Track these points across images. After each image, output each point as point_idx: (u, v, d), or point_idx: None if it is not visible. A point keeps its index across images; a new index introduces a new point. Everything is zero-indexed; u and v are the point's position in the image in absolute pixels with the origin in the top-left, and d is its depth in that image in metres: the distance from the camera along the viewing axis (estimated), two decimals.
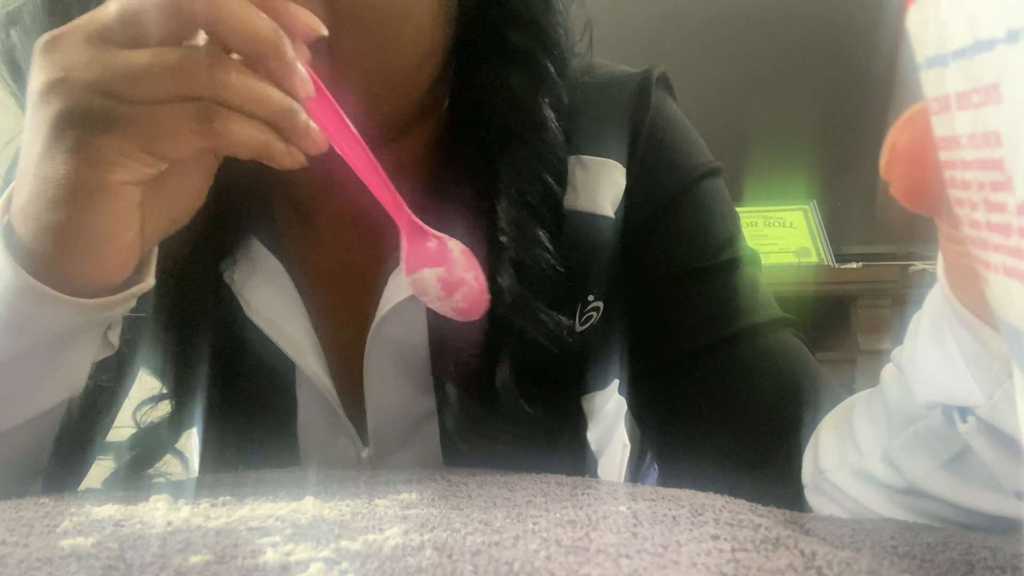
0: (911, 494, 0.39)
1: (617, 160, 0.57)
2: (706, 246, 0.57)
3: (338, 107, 0.43)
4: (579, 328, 0.57)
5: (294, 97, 0.41)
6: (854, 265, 1.66)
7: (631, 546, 0.30)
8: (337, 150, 0.44)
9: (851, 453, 0.42)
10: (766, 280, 0.59)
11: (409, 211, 0.47)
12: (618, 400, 0.71)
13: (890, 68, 1.55)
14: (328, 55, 0.46)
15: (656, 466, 0.87)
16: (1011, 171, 0.17)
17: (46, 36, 0.39)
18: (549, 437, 0.58)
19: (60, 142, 0.39)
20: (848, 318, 1.65)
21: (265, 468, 0.55)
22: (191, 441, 0.65)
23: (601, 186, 0.57)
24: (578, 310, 0.57)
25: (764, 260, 0.60)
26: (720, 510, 0.37)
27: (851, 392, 0.49)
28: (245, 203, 0.58)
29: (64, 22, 0.40)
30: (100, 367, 0.49)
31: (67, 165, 0.39)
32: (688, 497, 0.40)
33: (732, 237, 0.58)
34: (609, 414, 0.70)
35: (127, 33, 0.38)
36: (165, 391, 0.59)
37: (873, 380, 0.42)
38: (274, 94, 0.40)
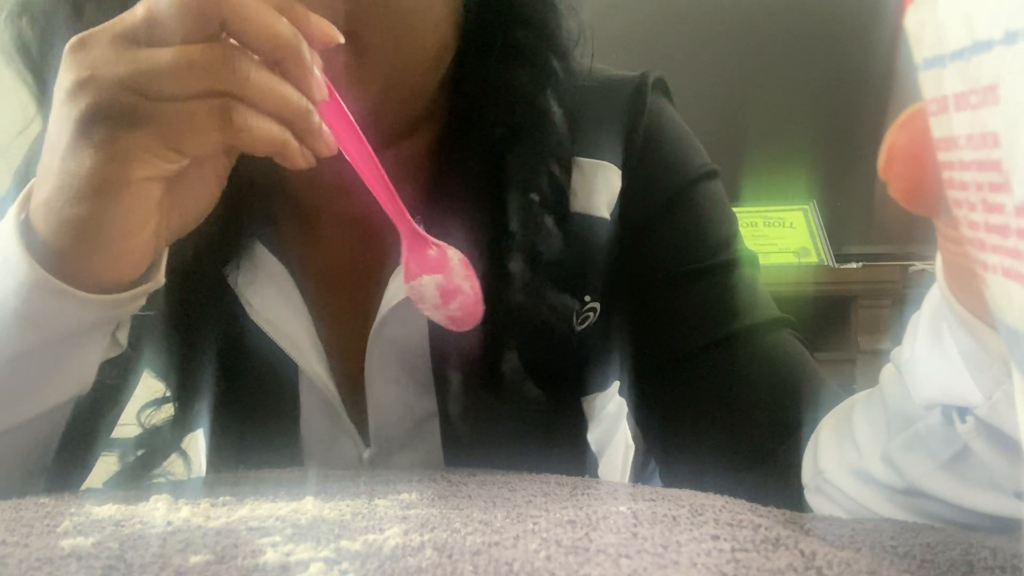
0: (910, 494, 0.39)
1: (612, 162, 0.58)
2: (703, 247, 0.57)
3: (348, 113, 0.44)
4: (576, 329, 0.57)
5: (309, 100, 0.42)
6: (854, 265, 1.66)
7: (631, 546, 0.30)
8: (345, 155, 0.45)
9: (850, 453, 0.42)
10: (766, 280, 0.59)
11: (411, 218, 0.48)
12: (619, 401, 0.71)
13: (889, 68, 1.55)
14: (353, 52, 0.47)
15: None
16: (1009, 172, 0.17)
17: (75, 38, 0.40)
18: (549, 434, 0.58)
19: (86, 138, 0.40)
20: (848, 318, 1.65)
21: (268, 469, 0.55)
22: (196, 443, 0.65)
23: (597, 188, 0.57)
24: (575, 311, 0.57)
25: (764, 260, 0.61)
26: (720, 510, 0.37)
27: (850, 392, 0.49)
28: (248, 206, 0.58)
29: (74, 9, 0.41)
30: (107, 366, 0.49)
31: (92, 160, 0.40)
32: (688, 497, 0.40)
33: (730, 238, 0.58)
34: (610, 415, 0.70)
35: (153, 34, 0.39)
36: (169, 394, 0.59)
37: (873, 380, 0.42)
38: (292, 93, 0.41)
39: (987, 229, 0.19)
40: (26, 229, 0.43)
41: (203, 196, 0.46)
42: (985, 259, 0.20)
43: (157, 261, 0.47)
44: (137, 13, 0.40)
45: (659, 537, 0.31)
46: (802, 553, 0.29)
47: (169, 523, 0.35)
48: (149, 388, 0.61)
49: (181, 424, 0.58)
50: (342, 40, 0.43)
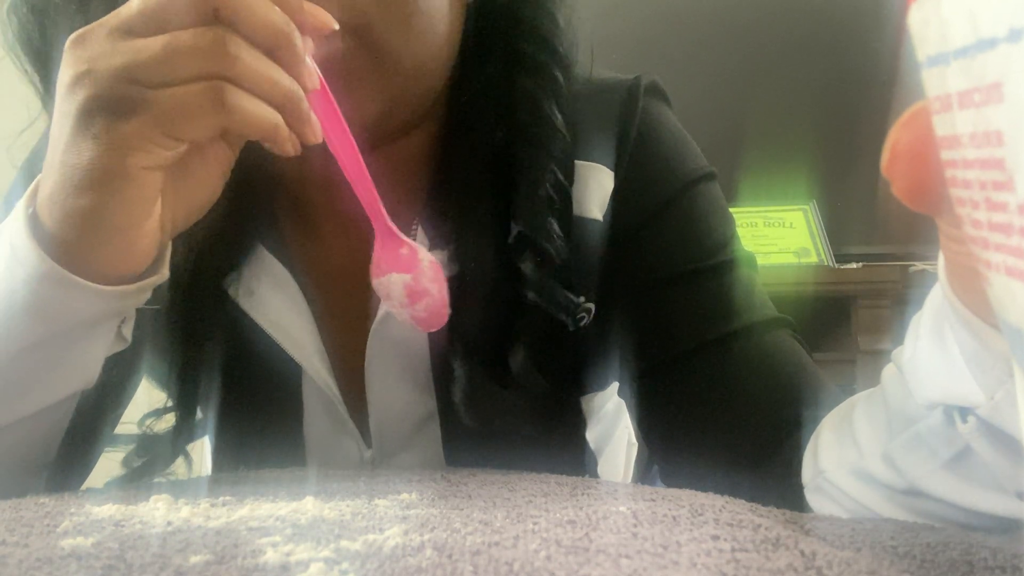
0: (911, 494, 0.39)
1: (604, 164, 0.58)
2: (700, 248, 0.58)
3: (335, 105, 0.45)
4: (571, 329, 0.58)
5: (300, 87, 0.42)
6: (854, 265, 1.66)
7: (631, 546, 0.30)
8: (329, 146, 0.45)
9: (851, 453, 0.42)
10: (766, 280, 0.60)
11: (387, 215, 0.49)
12: (618, 401, 0.71)
13: (890, 68, 1.55)
14: (368, 53, 0.48)
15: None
16: (1012, 170, 0.17)
17: (75, 33, 0.41)
18: (548, 433, 0.58)
19: (85, 130, 0.41)
20: (848, 318, 1.65)
21: (270, 469, 0.56)
22: (201, 444, 0.66)
23: (589, 190, 0.58)
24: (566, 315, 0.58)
25: (764, 260, 0.61)
26: (720, 510, 0.37)
27: (850, 392, 0.49)
28: (251, 209, 0.59)
29: (78, 2, 0.41)
30: (111, 363, 0.50)
31: (92, 151, 0.41)
32: (688, 497, 0.40)
33: (727, 240, 0.59)
34: (609, 414, 0.70)
35: (148, 25, 0.40)
36: (171, 401, 0.60)
37: (873, 380, 0.42)
38: (283, 78, 0.42)
39: (990, 228, 0.19)
40: (34, 222, 0.44)
41: (207, 187, 0.47)
42: (988, 258, 0.19)
43: (162, 254, 0.47)
44: (132, 5, 0.40)
45: (659, 537, 0.31)
46: (802, 553, 0.29)
47: (169, 523, 0.35)
48: (153, 396, 0.61)
49: (183, 433, 0.58)
50: (336, 27, 0.44)
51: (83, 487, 0.54)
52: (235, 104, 0.40)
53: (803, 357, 0.56)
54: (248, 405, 0.60)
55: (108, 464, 0.58)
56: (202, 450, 0.68)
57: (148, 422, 0.60)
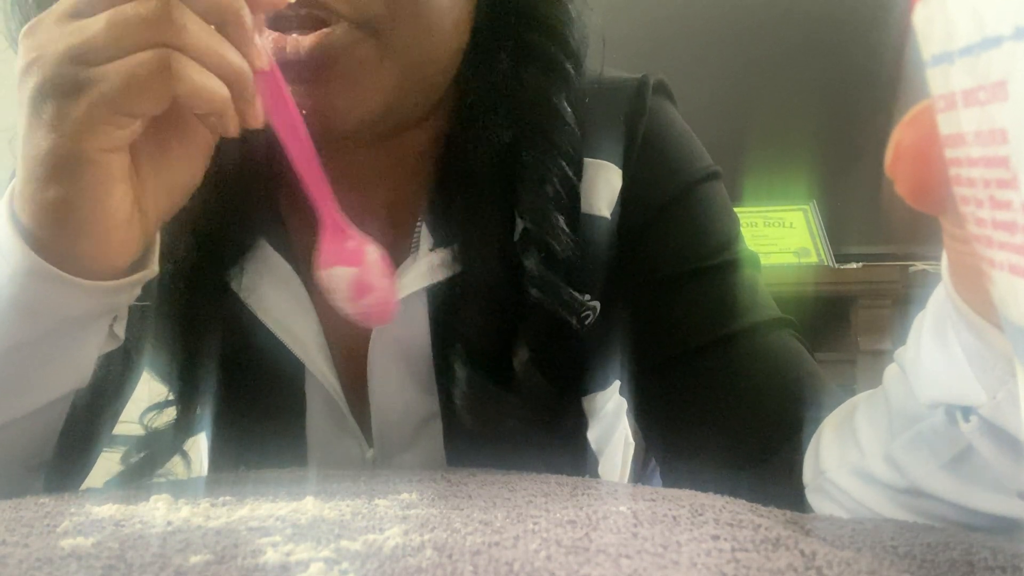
0: (912, 494, 0.39)
1: (613, 162, 0.58)
2: (705, 247, 0.58)
3: (285, 88, 0.44)
4: (575, 328, 0.58)
5: (251, 66, 0.42)
6: (854, 265, 1.66)
7: (631, 546, 0.30)
8: (275, 130, 0.45)
9: (852, 453, 0.42)
10: (766, 281, 0.60)
11: (336, 207, 0.48)
12: (618, 400, 0.71)
13: (890, 68, 1.55)
14: (375, 45, 0.48)
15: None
16: (1017, 168, 0.17)
17: (27, 24, 0.41)
18: (550, 433, 0.58)
19: (39, 118, 0.40)
20: (848, 318, 1.65)
21: (271, 469, 0.55)
22: (198, 443, 0.65)
23: (597, 187, 0.58)
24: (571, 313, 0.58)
25: (764, 260, 0.61)
26: (720, 510, 0.37)
27: (851, 393, 0.49)
28: (254, 206, 0.58)
29: None
30: (106, 361, 0.49)
31: (48, 140, 0.40)
32: (688, 497, 0.40)
33: (731, 239, 0.59)
34: (609, 414, 0.70)
35: (95, 6, 0.39)
36: (172, 395, 0.59)
37: (873, 380, 0.42)
38: (231, 53, 0.41)
39: (994, 226, 0.19)
40: (17, 220, 0.43)
41: (186, 172, 0.46)
42: (992, 256, 0.19)
43: (151, 249, 0.47)
44: None
45: (659, 537, 0.31)
46: (802, 553, 0.29)
47: (169, 523, 0.35)
48: (153, 391, 0.61)
49: (184, 428, 0.58)
50: (291, 0, 0.43)
51: (83, 487, 0.54)
52: (182, 73, 0.39)
53: (805, 358, 0.56)
54: (250, 402, 0.60)
55: (108, 465, 0.58)
56: (199, 448, 0.68)
57: (149, 416, 0.60)
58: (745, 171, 1.62)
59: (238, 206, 0.56)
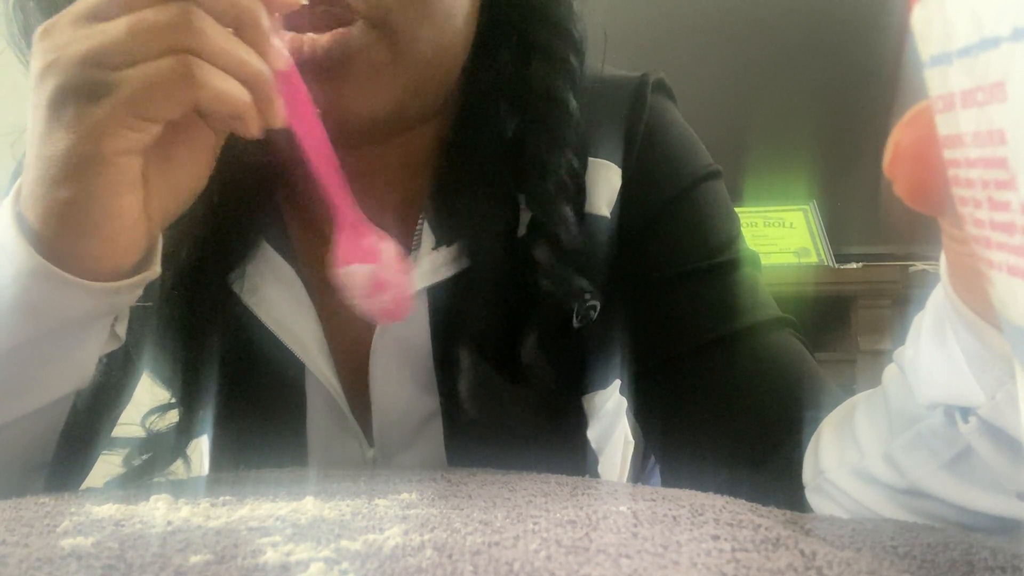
0: (912, 494, 0.39)
1: (613, 161, 0.58)
2: (705, 247, 0.58)
3: (304, 87, 0.44)
4: (576, 325, 0.58)
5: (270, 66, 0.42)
6: (854, 265, 1.66)
7: (631, 546, 0.29)
8: (294, 129, 0.45)
9: (852, 453, 0.42)
10: (766, 280, 0.59)
11: (353, 204, 0.48)
12: (618, 399, 0.71)
13: (890, 67, 1.55)
14: (387, 34, 0.48)
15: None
16: (1015, 169, 0.17)
17: (42, 25, 0.41)
18: (550, 432, 0.58)
19: (57, 120, 0.40)
20: (848, 318, 1.65)
21: (271, 469, 0.55)
22: (199, 443, 0.65)
23: (598, 186, 0.58)
24: (575, 308, 0.58)
25: (764, 260, 0.61)
26: (720, 510, 0.37)
27: (850, 393, 0.49)
28: (255, 207, 0.58)
29: None
30: (107, 362, 0.49)
31: (65, 141, 0.40)
32: (688, 497, 0.40)
33: (732, 238, 0.59)
34: (609, 413, 0.70)
35: (111, 8, 0.39)
36: (174, 398, 0.59)
37: (873, 381, 0.42)
38: (250, 56, 0.41)
39: (993, 227, 0.19)
40: (22, 220, 0.43)
41: (192, 174, 0.46)
42: (990, 257, 0.19)
43: (153, 249, 0.47)
44: None
45: (659, 537, 0.31)
46: (802, 553, 0.29)
47: (169, 523, 0.35)
48: (155, 394, 0.61)
49: (187, 429, 0.58)
50: (305, 1, 0.43)
51: (83, 487, 0.54)
52: (203, 78, 0.39)
53: (806, 357, 0.56)
54: (251, 403, 0.60)
55: (109, 468, 0.58)
56: (200, 448, 0.68)
57: (151, 419, 0.60)
58: (745, 171, 1.62)
59: (239, 207, 0.56)
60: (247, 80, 0.41)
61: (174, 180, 0.45)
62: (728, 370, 0.55)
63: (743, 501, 0.41)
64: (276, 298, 0.58)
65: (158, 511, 0.38)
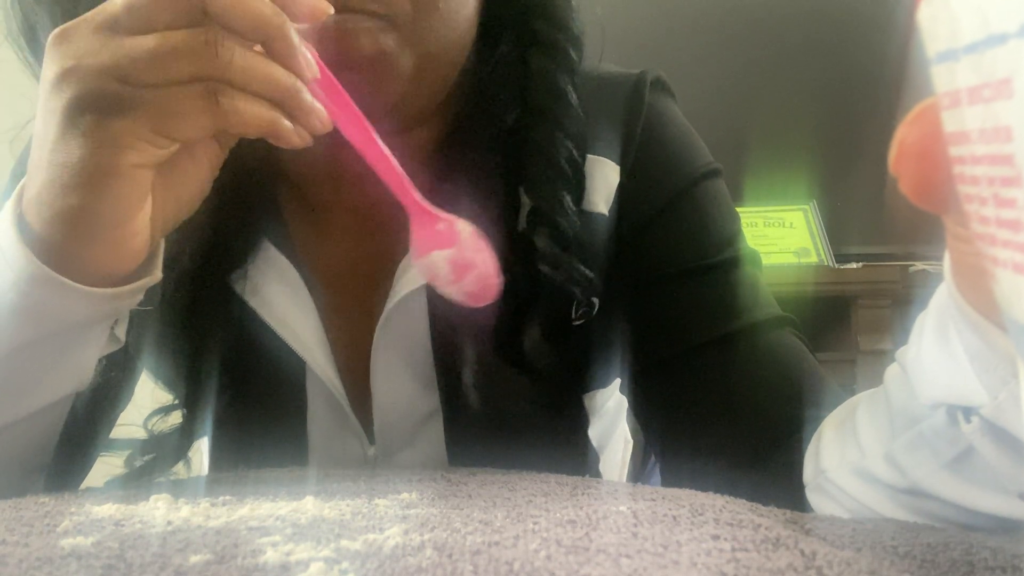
0: (913, 494, 0.39)
1: (610, 158, 0.58)
2: (706, 245, 0.57)
3: (343, 89, 0.44)
4: (575, 323, 0.58)
5: (300, 78, 0.42)
6: (854, 265, 1.66)
7: (631, 546, 0.29)
8: (342, 132, 0.44)
9: (853, 452, 0.42)
10: (766, 280, 0.59)
11: (417, 193, 0.47)
12: (619, 397, 0.71)
13: (891, 68, 1.55)
14: (397, 30, 0.48)
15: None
16: (1021, 166, 0.17)
17: (57, 29, 0.40)
18: (551, 431, 0.58)
19: (74, 128, 0.40)
20: (848, 318, 1.65)
21: (274, 468, 0.55)
22: (199, 442, 0.65)
23: (595, 184, 0.58)
24: (574, 305, 0.58)
25: (764, 260, 0.61)
26: (720, 510, 0.36)
27: (851, 392, 0.49)
28: (255, 205, 0.58)
29: None
30: (106, 363, 0.49)
31: (82, 149, 0.40)
32: (688, 497, 0.40)
33: (732, 236, 0.59)
34: (610, 411, 0.70)
35: (134, 21, 0.39)
36: (176, 398, 0.59)
37: (873, 380, 0.42)
38: (278, 73, 0.41)
39: (998, 224, 0.19)
40: (23, 224, 0.43)
41: (195, 185, 0.46)
42: (995, 254, 0.19)
43: (154, 255, 0.47)
44: (118, 1, 0.40)
45: (659, 537, 0.31)
46: (802, 553, 0.29)
47: (169, 523, 0.35)
48: (157, 396, 0.61)
49: (189, 430, 0.58)
50: (331, 10, 0.43)
51: (82, 487, 0.54)
52: (229, 105, 0.39)
53: (806, 356, 0.56)
54: (252, 402, 0.60)
55: (106, 468, 0.57)
56: (199, 448, 0.68)
57: (154, 421, 0.60)
58: (745, 171, 1.62)
59: (241, 207, 0.56)
60: (277, 98, 0.41)
61: (178, 190, 0.45)
62: (728, 369, 0.55)
63: (743, 501, 0.40)
64: (278, 297, 0.58)
65: (158, 511, 0.38)
